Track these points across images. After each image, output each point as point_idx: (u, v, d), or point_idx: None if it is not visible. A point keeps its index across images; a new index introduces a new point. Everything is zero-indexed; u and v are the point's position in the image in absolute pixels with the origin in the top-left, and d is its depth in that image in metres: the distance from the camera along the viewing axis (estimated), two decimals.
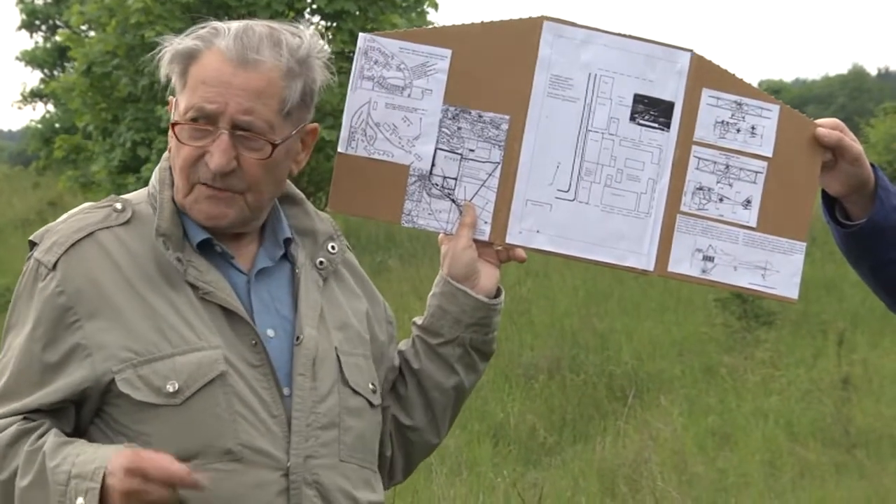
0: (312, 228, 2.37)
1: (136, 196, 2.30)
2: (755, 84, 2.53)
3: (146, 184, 2.33)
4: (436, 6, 20.18)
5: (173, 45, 2.26)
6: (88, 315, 2.14)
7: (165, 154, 2.31)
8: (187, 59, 2.22)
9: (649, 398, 9.41)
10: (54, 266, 2.17)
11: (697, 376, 10.13)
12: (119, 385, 2.12)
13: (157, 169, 2.30)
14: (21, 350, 2.16)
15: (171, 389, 2.12)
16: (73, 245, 2.18)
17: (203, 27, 2.26)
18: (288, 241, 2.32)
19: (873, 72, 74.00)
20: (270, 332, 2.24)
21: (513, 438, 8.63)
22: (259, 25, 2.25)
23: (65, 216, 2.28)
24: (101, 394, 2.14)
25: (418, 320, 2.50)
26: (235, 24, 2.25)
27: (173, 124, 2.21)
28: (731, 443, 8.44)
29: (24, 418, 2.13)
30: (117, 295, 2.16)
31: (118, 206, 2.25)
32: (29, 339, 2.16)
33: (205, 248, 2.24)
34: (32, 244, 2.24)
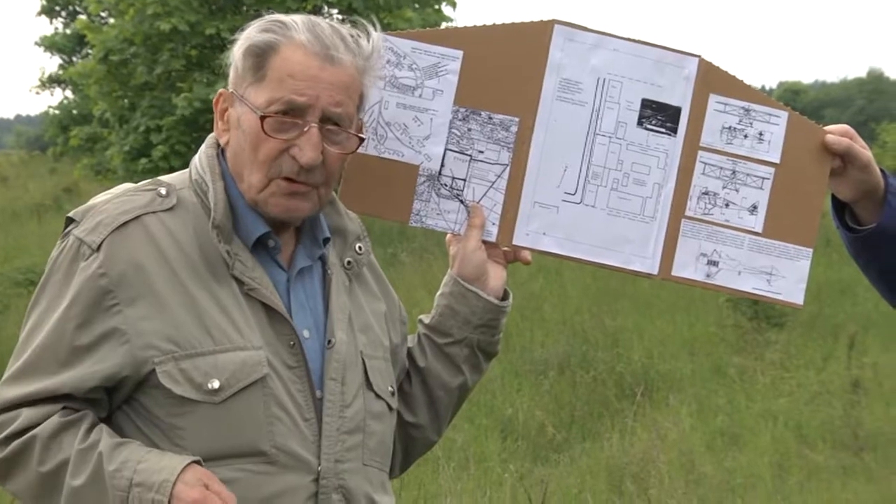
0: (344, 227, 2.37)
1: (178, 181, 2.26)
2: (774, 86, 2.54)
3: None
4: (454, 4, 20.17)
5: (246, 37, 2.22)
6: (129, 300, 2.11)
7: (210, 140, 2.28)
8: (265, 51, 2.18)
9: (658, 397, 9.40)
10: (98, 247, 2.12)
11: (707, 376, 10.12)
12: (160, 377, 2.10)
13: (202, 156, 2.27)
14: (51, 327, 2.12)
15: (212, 387, 2.10)
16: (119, 227, 2.14)
17: (268, 20, 2.23)
18: (326, 241, 2.31)
19: (892, 75, 73.71)
20: (306, 333, 2.23)
21: (521, 434, 8.62)
22: (321, 20, 2.23)
23: (106, 196, 2.23)
24: (137, 383, 2.12)
25: (425, 319, 2.51)
26: (300, 18, 2.22)
27: (263, 117, 2.16)
28: (740, 443, 8.43)
29: (64, 408, 2.10)
30: (161, 283, 2.12)
31: (162, 191, 2.21)
32: (62, 317, 2.11)
33: (253, 244, 2.22)
34: (70, 220, 2.20)
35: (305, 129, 2.16)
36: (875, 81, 59.74)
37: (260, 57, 2.19)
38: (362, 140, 2.26)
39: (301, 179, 2.18)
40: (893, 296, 2.60)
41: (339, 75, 2.18)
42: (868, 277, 2.62)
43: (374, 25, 2.32)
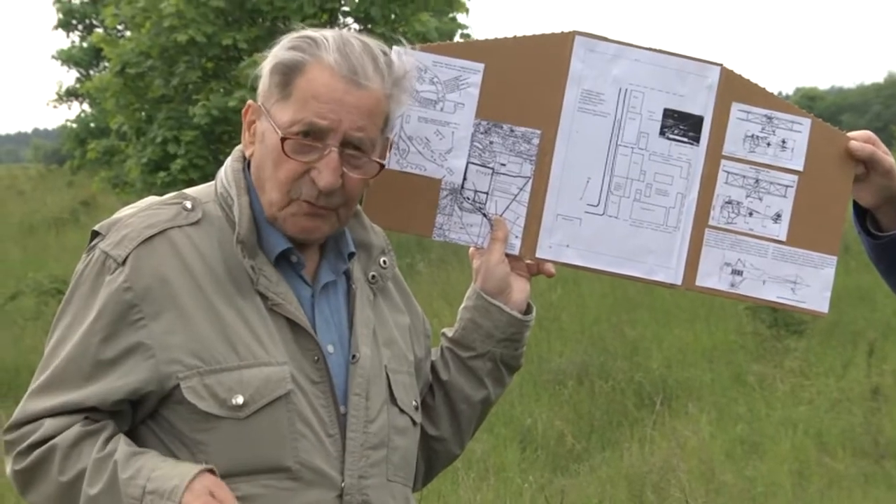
0: (368, 242, 2.36)
1: (203, 194, 2.26)
2: (791, 92, 2.53)
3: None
4: (466, 11, 20.19)
5: (275, 53, 2.21)
6: (154, 315, 2.10)
7: (236, 154, 2.28)
8: (292, 70, 2.17)
9: (678, 406, 9.38)
10: (124, 261, 2.12)
11: (726, 384, 10.09)
12: (184, 392, 2.10)
13: (227, 170, 2.26)
14: (77, 340, 2.12)
15: (236, 403, 2.10)
16: (145, 241, 2.14)
17: (299, 36, 2.21)
18: (351, 255, 2.31)
19: None
20: (330, 348, 2.22)
21: (540, 444, 8.61)
22: (353, 38, 2.21)
23: (132, 209, 2.23)
24: (162, 398, 2.12)
25: (448, 332, 2.50)
26: (331, 35, 2.21)
27: (283, 139, 2.15)
28: (760, 452, 8.41)
29: (86, 418, 2.10)
30: (186, 298, 2.12)
31: (188, 204, 2.21)
32: (88, 330, 2.11)
33: (277, 258, 2.22)
34: (96, 234, 2.19)
35: (326, 152, 2.16)
36: (893, 86, 59.52)
37: (286, 75, 2.18)
38: (383, 166, 2.25)
39: (320, 203, 2.18)
40: None
41: (364, 99, 2.17)
42: (889, 284, 2.62)
43: (403, 43, 2.32)
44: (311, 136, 2.16)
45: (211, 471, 2.05)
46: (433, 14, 19.50)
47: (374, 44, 2.24)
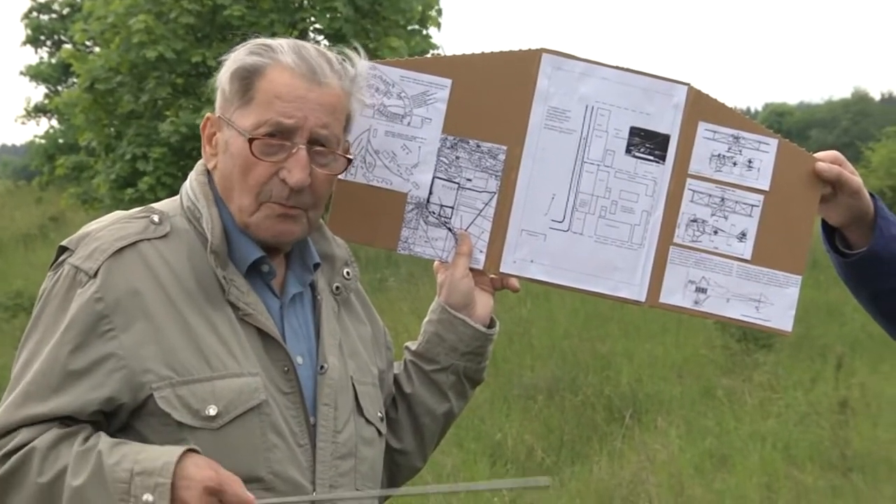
0: (331, 253, 2.38)
1: (170, 208, 2.26)
2: (760, 108, 2.54)
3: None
4: (438, 25, 20.24)
5: (232, 61, 2.23)
6: (125, 326, 2.11)
7: (199, 168, 2.28)
8: (251, 74, 2.20)
9: (647, 420, 9.41)
10: (96, 273, 2.12)
11: (695, 398, 10.12)
12: (158, 402, 2.10)
13: (193, 183, 2.27)
14: (48, 352, 2.11)
15: (210, 413, 2.11)
16: (115, 253, 2.15)
17: (255, 44, 2.24)
18: (316, 266, 2.32)
19: (877, 96, 74.05)
20: (300, 359, 2.24)
21: (510, 458, 8.62)
22: (307, 44, 2.24)
23: (99, 223, 2.23)
24: (133, 410, 2.12)
25: (412, 345, 2.52)
26: (286, 41, 2.23)
27: (251, 139, 2.17)
28: (729, 465, 8.43)
29: (61, 423, 2.10)
30: (157, 309, 2.13)
31: (156, 218, 2.21)
32: (59, 342, 2.11)
33: (247, 270, 2.22)
34: (63, 249, 2.19)
35: (294, 150, 2.18)
36: (860, 102, 59.94)
37: (247, 80, 2.20)
38: (350, 161, 2.27)
39: (291, 203, 2.20)
40: (885, 319, 2.61)
41: (326, 96, 2.20)
42: (859, 300, 2.63)
43: (359, 52, 2.34)
44: (278, 135, 2.17)
45: (194, 450, 2.05)
46: (405, 35, 19.53)
47: (328, 51, 2.27)
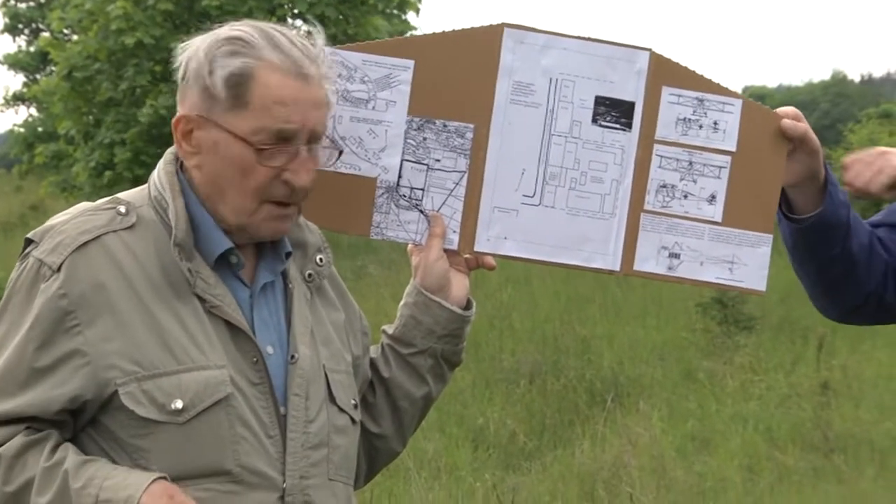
0: (304, 240, 2.34)
1: (137, 198, 2.22)
2: (740, 91, 2.54)
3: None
4: (417, 10, 20.22)
5: (221, 67, 2.14)
6: (89, 321, 2.08)
7: (168, 157, 2.23)
8: (243, 79, 2.14)
9: (629, 403, 9.43)
10: (59, 268, 2.09)
11: (677, 381, 10.16)
12: (123, 399, 2.07)
13: (161, 172, 2.22)
14: (13, 349, 2.09)
15: (176, 407, 2.08)
16: (79, 247, 2.11)
17: (224, 38, 2.16)
18: (288, 255, 2.29)
19: (856, 78, 74.30)
20: (270, 349, 2.20)
21: (493, 443, 8.63)
22: (270, 28, 2.19)
23: (65, 216, 2.20)
24: (100, 405, 2.09)
25: (389, 329, 2.49)
26: (250, 29, 2.17)
27: (259, 149, 2.12)
28: (710, 448, 8.46)
29: (28, 427, 2.08)
30: (122, 303, 2.10)
31: (122, 209, 2.18)
32: (24, 338, 2.08)
33: (216, 260, 2.19)
34: (29, 242, 2.16)
35: (297, 154, 2.15)
36: (839, 84, 60.05)
37: (239, 85, 2.14)
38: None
39: (290, 201, 2.18)
40: (825, 289, 2.64)
41: (315, 92, 2.17)
42: (803, 273, 2.66)
43: (319, 31, 2.29)
44: (281, 141, 2.14)
45: (164, 478, 2.03)
46: (384, 17, 19.50)
47: (286, 29, 2.21)
